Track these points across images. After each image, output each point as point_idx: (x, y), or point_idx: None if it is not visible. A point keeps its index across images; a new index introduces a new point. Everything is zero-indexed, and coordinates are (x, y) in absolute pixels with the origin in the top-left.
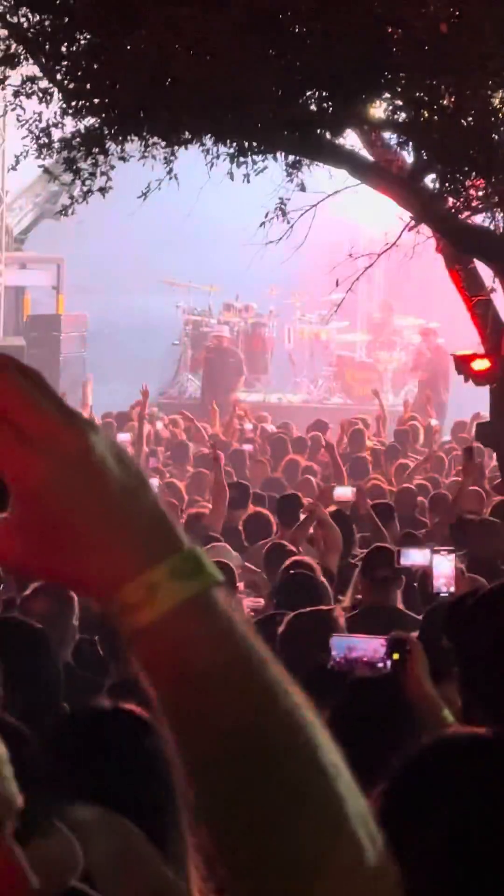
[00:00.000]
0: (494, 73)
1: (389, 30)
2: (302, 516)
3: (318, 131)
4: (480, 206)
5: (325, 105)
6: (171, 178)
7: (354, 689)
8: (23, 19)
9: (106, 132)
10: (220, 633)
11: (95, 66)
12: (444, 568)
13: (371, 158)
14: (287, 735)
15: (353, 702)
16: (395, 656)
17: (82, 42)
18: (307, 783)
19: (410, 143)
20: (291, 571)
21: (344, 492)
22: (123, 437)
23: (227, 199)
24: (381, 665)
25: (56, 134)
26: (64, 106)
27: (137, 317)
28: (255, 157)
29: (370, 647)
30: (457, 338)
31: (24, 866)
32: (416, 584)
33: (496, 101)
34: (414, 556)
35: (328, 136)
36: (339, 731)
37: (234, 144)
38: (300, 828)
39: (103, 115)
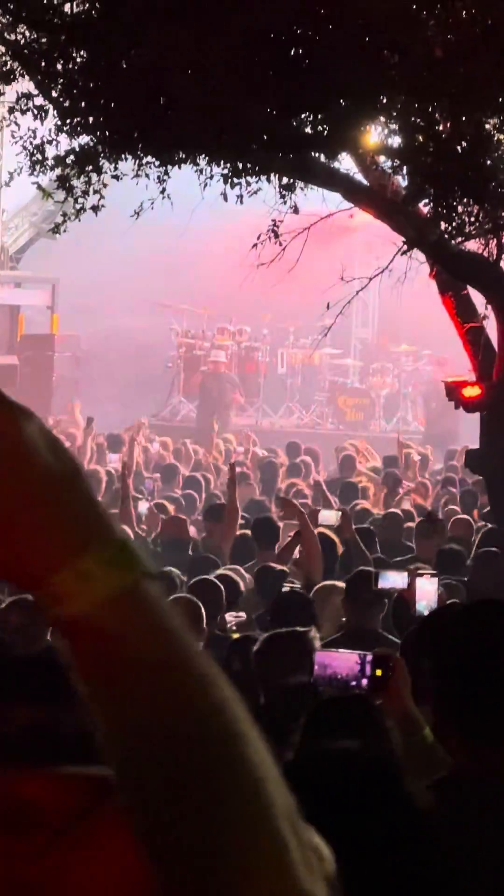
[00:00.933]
0: (489, 99)
1: (385, 54)
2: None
3: (313, 154)
4: (474, 233)
5: (320, 128)
6: (164, 198)
7: (323, 709)
8: (19, 36)
9: (100, 150)
10: (152, 624)
11: (91, 85)
12: (426, 591)
13: (365, 182)
14: (216, 728)
15: (321, 722)
16: (378, 673)
17: (78, 60)
18: (234, 777)
19: (404, 168)
20: (286, 589)
21: (329, 516)
22: (114, 458)
23: (224, 222)
24: (354, 683)
25: (50, 151)
26: (59, 123)
27: (131, 338)
28: (248, 178)
29: (349, 663)
30: (448, 364)
31: None
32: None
33: (490, 127)
34: (392, 579)
35: (323, 158)
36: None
37: (228, 165)
38: (223, 821)
39: (98, 134)
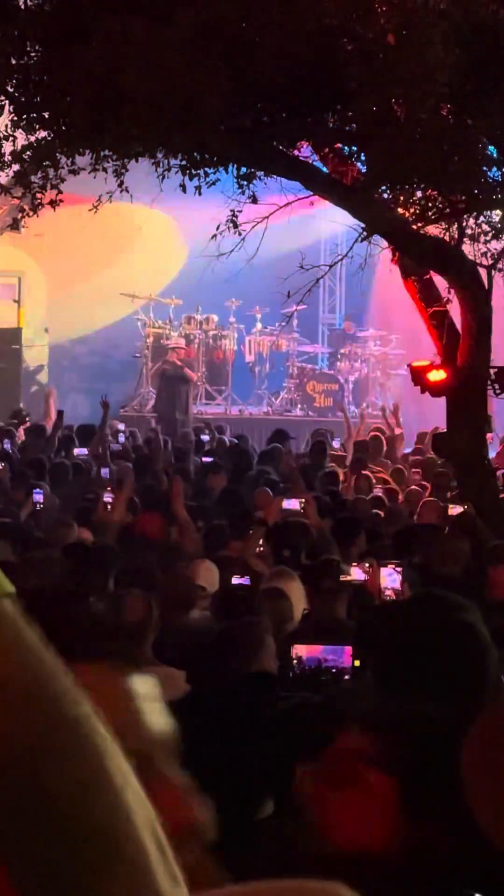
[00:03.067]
0: (442, 85)
1: (339, 40)
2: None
3: (271, 143)
4: (434, 218)
5: (276, 117)
6: (122, 191)
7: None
8: None
9: (57, 145)
10: (8, 643)
11: (46, 79)
12: (390, 581)
13: (324, 169)
14: (73, 744)
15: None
16: (357, 663)
17: (32, 55)
18: (93, 791)
19: (362, 155)
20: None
21: (291, 504)
22: (81, 452)
23: (187, 211)
24: (348, 677)
25: (7, 147)
26: (14, 118)
27: (99, 329)
28: (206, 168)
29: (342, 655)
30: (416, 349)
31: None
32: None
33: (446, 113)
34: (355, 570)
35: (280, 147)
36: None
37: (185, 156)
38: (84, 835)
39: (54, 128)
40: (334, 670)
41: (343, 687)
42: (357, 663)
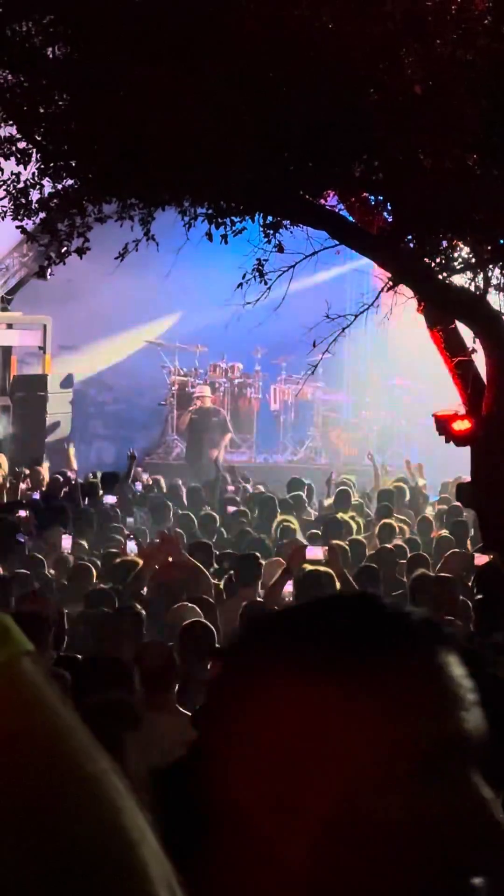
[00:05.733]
0: (468, 135)
1: (365, 91)
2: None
3: (297, 192)
4: (460, 267)
5: (302, 166)
6: (148, 240)
7: None
8: (0, 80)
9: (83, 193)
10: (28, 700)
11: (73, 128)
12: None
13: (350, 219)
14: (90, 800)
15: None
16: None
17: (60, 103)
18: (108, 847)
19: (388, 204)
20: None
21: (315, 552)
22: (110, 500)
23: (214, 260)
24: None
25: (34, 195)
26: (42, 167)
27: (124, 377)
28: (232, 217)
29: None
30: (441, 398)
31: None
32: None
33: (471, 163)
34: None
35: (306, 197)
36: None
37: (212, 205)
38: (98, 893)
39: (81, 176)
40: None
41: None
42: None
